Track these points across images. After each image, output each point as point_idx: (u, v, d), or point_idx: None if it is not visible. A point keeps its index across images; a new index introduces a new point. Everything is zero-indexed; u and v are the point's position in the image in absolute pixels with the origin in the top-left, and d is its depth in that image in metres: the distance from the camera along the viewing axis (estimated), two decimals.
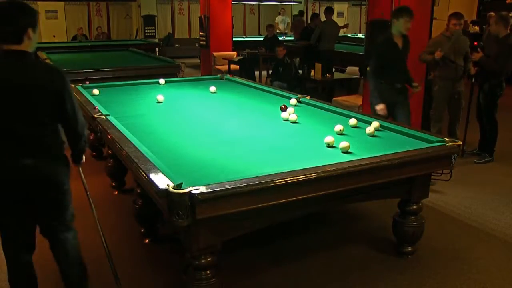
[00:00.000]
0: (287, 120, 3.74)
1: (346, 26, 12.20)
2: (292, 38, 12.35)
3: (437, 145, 3.02)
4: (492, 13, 8.81)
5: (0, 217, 2.40)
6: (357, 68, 8.33)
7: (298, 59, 9.26)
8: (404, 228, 3.22)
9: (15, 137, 2.26)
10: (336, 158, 2.76)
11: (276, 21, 15.17)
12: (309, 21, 10.82)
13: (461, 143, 3.06)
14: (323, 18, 10.52)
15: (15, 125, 2.26)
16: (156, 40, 14.33)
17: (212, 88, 4.99)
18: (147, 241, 3.48)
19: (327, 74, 7.80)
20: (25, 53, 2.30)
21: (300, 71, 8.11)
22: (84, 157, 2.60)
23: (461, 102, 5.42)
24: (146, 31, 15.42)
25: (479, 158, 5.38)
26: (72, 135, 2.44)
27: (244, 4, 17.28)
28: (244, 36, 15.20)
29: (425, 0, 5.69)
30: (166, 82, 5.47)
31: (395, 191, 3.11)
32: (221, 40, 10.29)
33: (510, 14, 6.81)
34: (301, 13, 14.51)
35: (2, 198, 2.33)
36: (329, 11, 9.43)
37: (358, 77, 7.87)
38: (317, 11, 17.16)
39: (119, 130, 3.26)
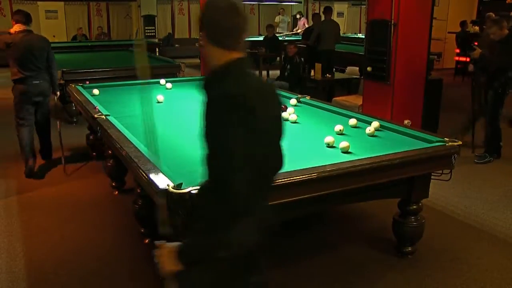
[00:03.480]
0: (287, 120, 3.74)
1: None
2: (297, 38, 12.30)
3: (437, 145, 3.02)
4: (491, 13, 8.82)
5: (24, 108, 4.82)
6: (357, 68, 8.33)
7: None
8: (404, 228, 3.22)
9: (33, 72, 4.75)
10: (336, 158, 2.76)
11: (276, 21, 15.16)
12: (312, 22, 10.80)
13: (461, 143, 3.06)
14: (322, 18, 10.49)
15: (33, 67, 4.73)
16: (156, 40, 14.32)
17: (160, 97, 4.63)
18: (147, 241, 3.47)
19: (327, 74, 7.80)
20: (31, 30, 4.89)
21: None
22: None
23: None
24: (146, 31, 15.41)
25: (479, 158, 5.38)
26: (52, 72, 4.93)
27: (244, 4, 17.26)
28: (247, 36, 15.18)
29: (425, 0, 5.69)
30: (166, 82, 5.47)
31: (395, 191, 3.11)
32: None
33: (510, 14, 6.81)
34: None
35: (28, 98, 4.79)
36: (328, 10, 9.38)
37: (358, 77, 7.87)
38: (317, 11, 17.16)
39: (119, 130, 3.26)
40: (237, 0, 1.59)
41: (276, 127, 1.64)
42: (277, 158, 1.68)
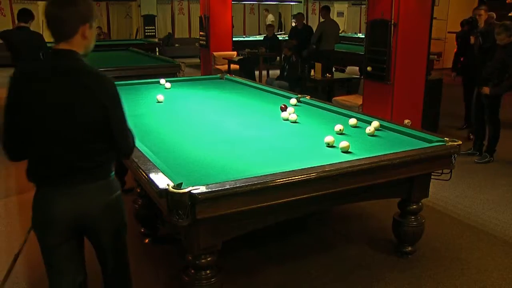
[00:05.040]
0: (287, 120, 3.74)
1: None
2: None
3: (437, 145, 3.02)
4: (492, 13, 8.80)
5: None
6: (357, 68, 8.33)
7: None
8: (404, 228, 3.22)
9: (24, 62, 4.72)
10: (336, 158, 2.76)
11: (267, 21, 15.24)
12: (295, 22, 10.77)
13: (461, 142, 3.06)
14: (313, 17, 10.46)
15: (24, 57, 5.47)
16: (156, 40, 14.32)
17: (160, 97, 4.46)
18: (147, 241, 3.48)
19: (327, 74, 7.81)
20: (25, 26, 5.74)
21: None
22: None
23: None
24: (146, 31, 15.41)
25: (480, 158, 5.38)
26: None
27: (244, 4, 17.28)
28: (244, 36, 15.21)
29: (425, 0, 5.69)
30: (166, 81, 5.47)
31: (395, 191, 3.11)
32: (221, 40, 10.29)
33: (510, 14, 6.78)
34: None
35: None
36: (326, 10, 9.35)
37: (358, 77, 7.87)
38: (317, 11, 17.19)
39: None
40: None
41: (56, 102, 1.81)
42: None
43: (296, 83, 7.69)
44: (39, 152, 1.87)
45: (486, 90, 5.20)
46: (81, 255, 2.08)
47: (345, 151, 2.92)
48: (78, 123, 1.83)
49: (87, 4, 1.86)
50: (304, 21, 10.13)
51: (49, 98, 1.80)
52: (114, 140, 1.94)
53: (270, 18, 15.77)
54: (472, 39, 5.53)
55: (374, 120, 3.52)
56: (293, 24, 13.58)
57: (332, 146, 3.02)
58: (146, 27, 15.46)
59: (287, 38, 12.62)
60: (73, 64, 1.84)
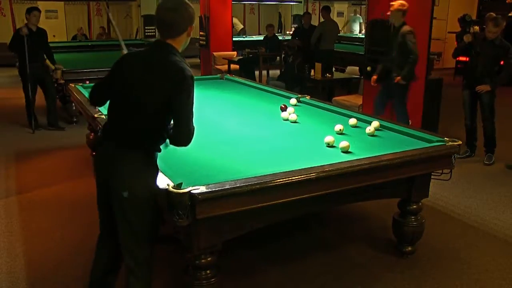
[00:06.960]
0: (287, 120, 3.74)
1: None
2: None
3: (437, 145, 3.02)
4: (491, 13, 8.79)
5: None
6: (357, 68, 8.33)
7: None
8: (404, 228, 3.22)
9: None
10: (336, 158, 2.76)
11: (234, 22, 15.24)
12: (302, 21, 10.78)
13: (461, 142, 3.06)
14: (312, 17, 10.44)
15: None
16: None
17: None
18: None
19: (327, 74, 7.80)
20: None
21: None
22: None
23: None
24: (146, 31, 15.38)
25: (486, 159, 5.33)
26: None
27: (244, 4, 17.27)
28: (244, 36, 15.20)
29: (425, 0, 5.69)
30: None
31: (395, 191, 3.11)
32: (221, 40, 10.29)
33: (510, 14, 6.75)
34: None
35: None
36: (326, 10, 9.35)
37: (358, 77, 7.86)
38: (317, 11, 17.18)
39: None
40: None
41: (136, 81, 2.18)
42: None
43: (292, 82, 7.68)
44: (113, 112, 2.27)
45: (486, 87, 5.16)
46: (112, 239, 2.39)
47: (345, 151, 2.92)
48: (147, 99, 2.15)
49: (191, 8, 2.26)
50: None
51: (134, 73, 2.18)
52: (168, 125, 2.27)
53: (235, 21, 15.81)
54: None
55: (374, 120, 3.52)
56: (293, 27, 13.60)
57: (332, 146, 3.02)
58: (146, 27, 15.44)
59: (289, 38, 12.67)
60: (167, 54, 2.18)
